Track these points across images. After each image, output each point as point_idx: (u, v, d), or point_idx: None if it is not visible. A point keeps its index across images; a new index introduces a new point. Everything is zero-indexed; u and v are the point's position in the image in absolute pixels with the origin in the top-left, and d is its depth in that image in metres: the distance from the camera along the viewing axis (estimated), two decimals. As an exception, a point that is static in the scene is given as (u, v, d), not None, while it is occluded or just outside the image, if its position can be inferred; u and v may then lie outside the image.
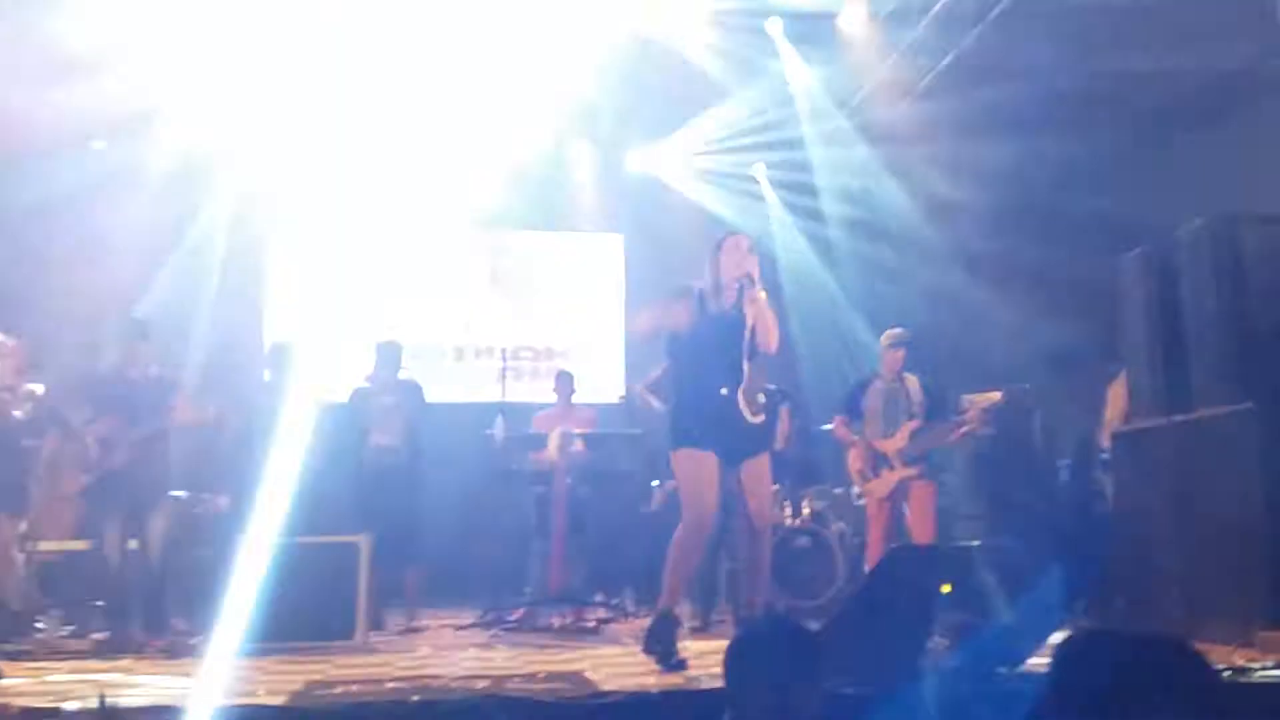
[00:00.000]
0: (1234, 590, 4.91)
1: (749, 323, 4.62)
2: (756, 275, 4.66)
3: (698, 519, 4.54)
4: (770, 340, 4.63)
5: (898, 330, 6.89)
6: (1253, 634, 4.50)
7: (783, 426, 6.83)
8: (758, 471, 4.67)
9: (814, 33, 9.48)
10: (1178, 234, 5.60)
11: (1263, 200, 5.50)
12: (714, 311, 4.68)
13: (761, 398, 4.72)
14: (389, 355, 7.19)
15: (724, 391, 4.60)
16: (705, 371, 4.64)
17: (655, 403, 6.63)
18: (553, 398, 7.97)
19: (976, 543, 6.65)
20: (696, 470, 4.57)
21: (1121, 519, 6.04)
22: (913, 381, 6.74)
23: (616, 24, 9.17)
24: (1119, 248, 6.30)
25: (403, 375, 7.38)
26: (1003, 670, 4.03)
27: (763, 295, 4.63)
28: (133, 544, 6.16)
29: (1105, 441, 6.46)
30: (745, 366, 4.63)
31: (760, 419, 4.69)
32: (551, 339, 11.57)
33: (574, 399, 7.86)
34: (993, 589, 4.11)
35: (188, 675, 4.72)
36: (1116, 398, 6.54)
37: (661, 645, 4.49)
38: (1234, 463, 5.03)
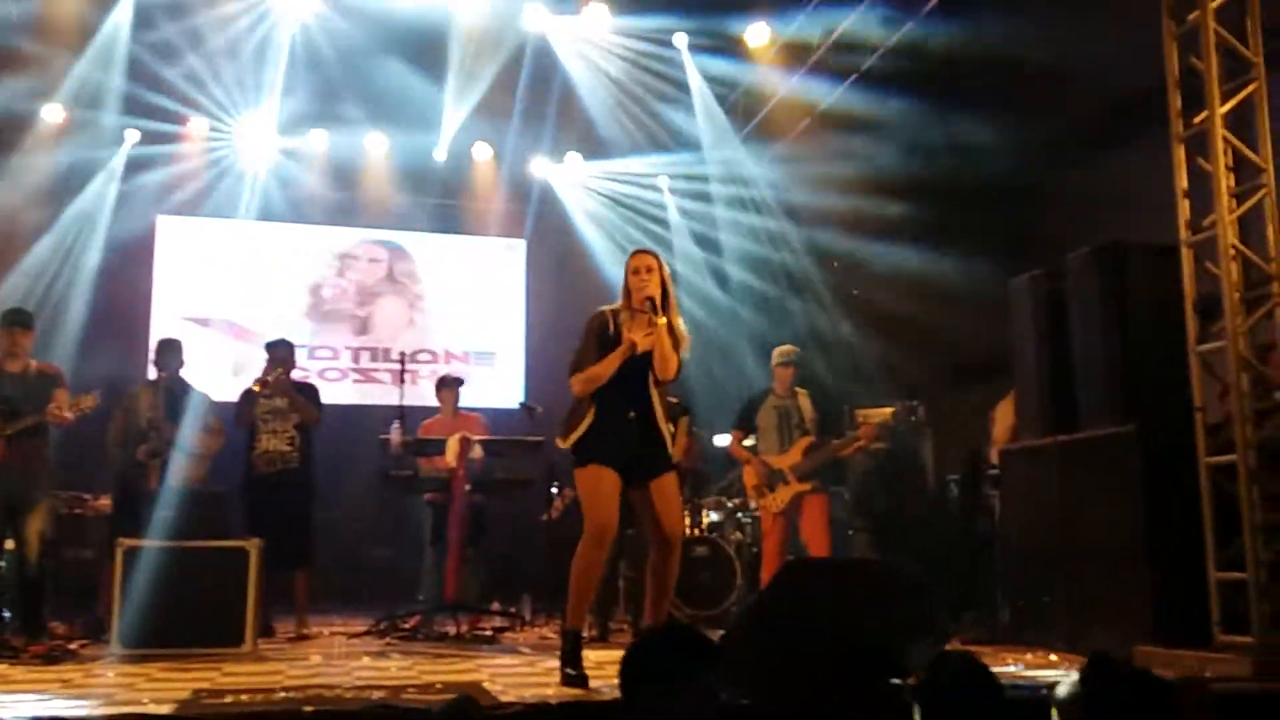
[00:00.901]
0: (1116, 606, 5.10)
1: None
2: (658, 297, 4.60)
3: (598, 532, 4.52)
4: (667, 369, 4.59)
5: (788, 348, 7.02)
6: (1132, 649, 4.67)
7: (681, 440, 6.86)
8: (668, 489, 4.66)
9: (720, 49, 9.61)
10: (1067, 259, 5.80)
11: (1147, 230, 5.72)
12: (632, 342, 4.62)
13: (670, 427, 4.73)
14: (281, 355, 7.01)
15: (632, 415, 4.60)
16: (607, 395, 4.60)
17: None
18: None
19: (869, 557, 6.83)
20: (597, 484, 4.55)
21: (1008, 535, 6.23)
22: (804, 398, 6.87)
23: (524, 32, 9.22)
24: (1011, 268, 6.51)
25: (296, 376, 7.22)
26: (894, 683, 4.10)
27: (661, 321, 4.56)
28: (9, 544, 5.91)
29: (994, 459, 6.65)
30: (652, 392, 4.64)
31: (667, 441, 4.69)
32: (451, 343, 11.49)
33: (466, 405, 7.75)
34: (884, 602, 4.20)
35: (67, 682, 4.55)
36: (1005, 416, 6.73)
37: (570, 664, 4.45)
38: (1117, 482, 5.23)
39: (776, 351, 6.99)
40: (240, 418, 6.89)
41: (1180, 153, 5.18)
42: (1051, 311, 5.92)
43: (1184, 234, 5.11)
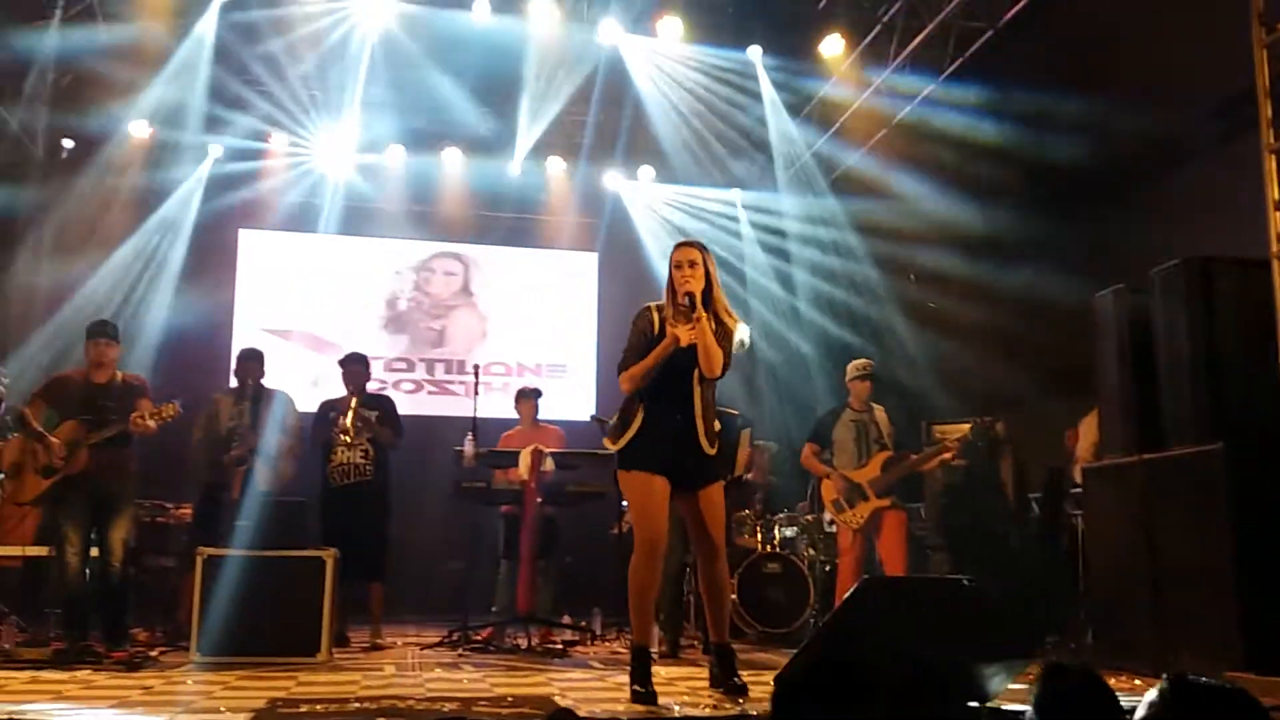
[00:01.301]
0: (1203, 629, 4.94)
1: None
2: (699, 292, 4.46)
3: (648, 541, 4.44)
4: (712, 366, 4.46)
5: (864, 361, 6.91)
6: (1222, 674, 4.51)
7: (744, 452, 6.80)
8: (713, 498, 4.58)
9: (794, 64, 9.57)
10: (1152, 274, 5.65)
11: (1236, 242, 5.55)
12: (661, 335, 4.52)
13: (716, 426, 4.63)
14: (358, 368, 7.11)
15: (678, 418, 4.52)
16: (656, 396, 4.52)
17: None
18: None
19: (949, 576, 6.69)
20: (646, 492, 4.47)
21: (1092, 554, 6.07)
22: (880, 413, 6.76)
23: (600, 49, 9.25)
24: (1094, 280, 6.36)
25: (373, 388, 7.32)
26: (974, 706, 4.01)
27: (703, 317, 4.43)
28: (94, 552, 6.05)
29: (1076, 476, 6.49)
30: (696, 391, 4.54)
31: (714, 448, 4.59)
32: (524, 355, 11.55)
33: (540, 417, 7.78)
34: (964, 623, 4.11)
35: (147, 689, 4.63)
36: (1088, 433, 6.58)
37: (639, 682, 4.40)
38: (1204, 502, 5.06)
39: (852, 365, 6.89)
40: (317, 431, 7.00)
41: (1271, 163, 5.04)
42: (1136, 326, 5.76)
43: (1275, 246, 4.96)
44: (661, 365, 4.48)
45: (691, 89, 9.69)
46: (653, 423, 4.52)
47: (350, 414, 6.89)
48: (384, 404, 7.19)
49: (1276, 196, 5.00)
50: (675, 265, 4.58)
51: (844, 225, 10.55)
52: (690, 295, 4.46)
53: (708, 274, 4.55)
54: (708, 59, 9.50)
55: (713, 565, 4.59)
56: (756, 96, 9.95)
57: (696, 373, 4.51)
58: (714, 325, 4.51)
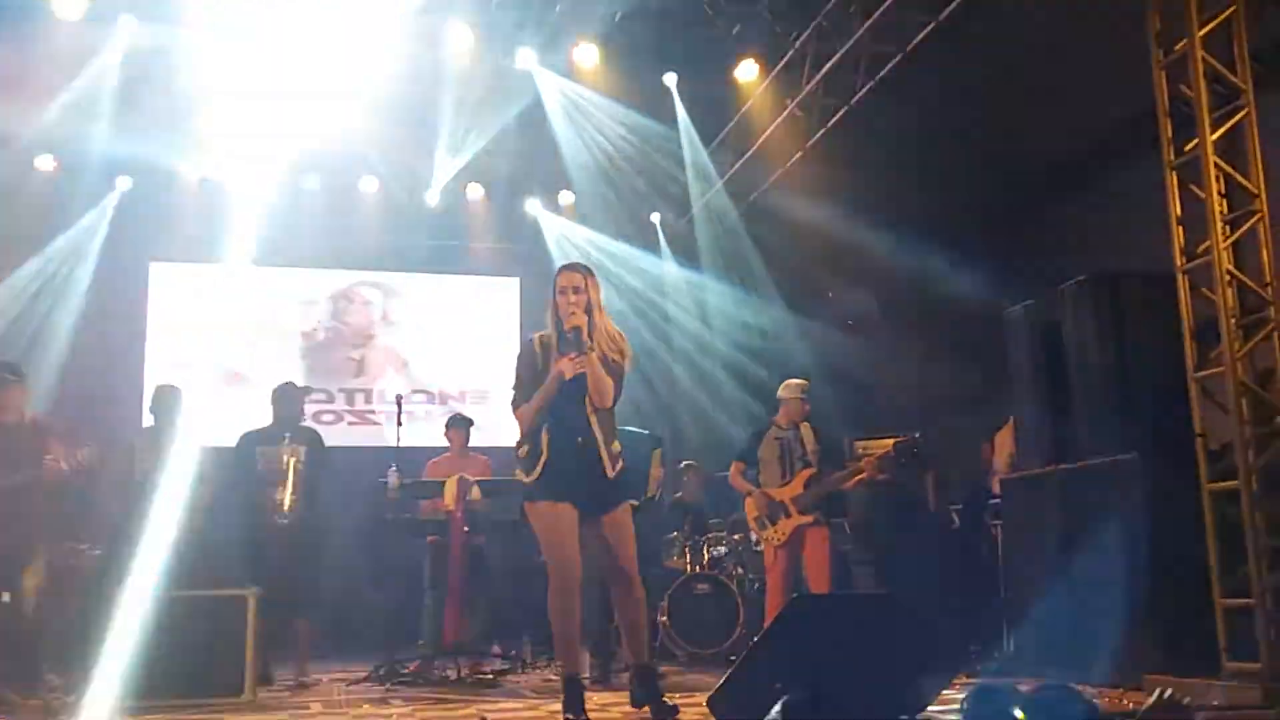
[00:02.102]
0: (1122, 634, 5.06)
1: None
2: (584, 325, 4.46)
3: (561, 570, 4.42)
4: (603, 397, 4.48)
5: (799, 381, 6.97)
6: (1141, 677, 4.64)
7: (655, 472, 6.81)
8: (619, 521, 4.57)
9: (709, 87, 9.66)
10: (1061, 289, 5.81)
11: (1141, 257, 5.74)
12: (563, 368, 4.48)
13: (616, 447, 4.62)
14: (289, 400, 6.96)
15: (578, 442, 4.50)
16: (555, 425, 4.50)
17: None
18: (446, 443, 7.81)
19: (874, 591, 6.78)
20: (554, 522, 4.45)
21: (1012, 563, 6.20)
22: (807, 430, 6.82)
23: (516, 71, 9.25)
24: (1004, 296, 6.53)
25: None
26: (904, 718, 4.06)
27: (590, 350, 4.44)
28: (4, 596, 5.85)
29: (995, 488, 6.63)
30: (591, 418, 4.53)
31: (617, 469, 4.58)
32: (446, 383, 11.46)
33: (468, 444, 7.71)
34: (892, 636, 4.16)
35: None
36: (1004, 444, 6.73)
37: (572, 710, 4.38)
38: (1119, 510, 5.21)
39: (786, 384, 6.93)
40: (241, 464, 6.82)
41: (1173, 180, 5.22)
42: (1048, 340, 5.93)
43: (1179, 261, 5.13)
44: (553, 397, 4.47)
45: (605, 129, 9.75)
46: (556, 452, 4.49)
47: (287, 451, 6.73)
48: (314, 437, 7.03)
49: (1178, 212, 5.18)
50: (559, 291, 4.56)
51: (751, 252, 10.72)
52: (576, 329, 4.45)
53: (589, 301, 4.53)
54: (621, 96, 9.55)
55: (628, 592, 4.57)
56: (672, 129, 10.03)
57: (589, 402, 4.50)
58: (600, 355, 4.51)
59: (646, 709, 4.49)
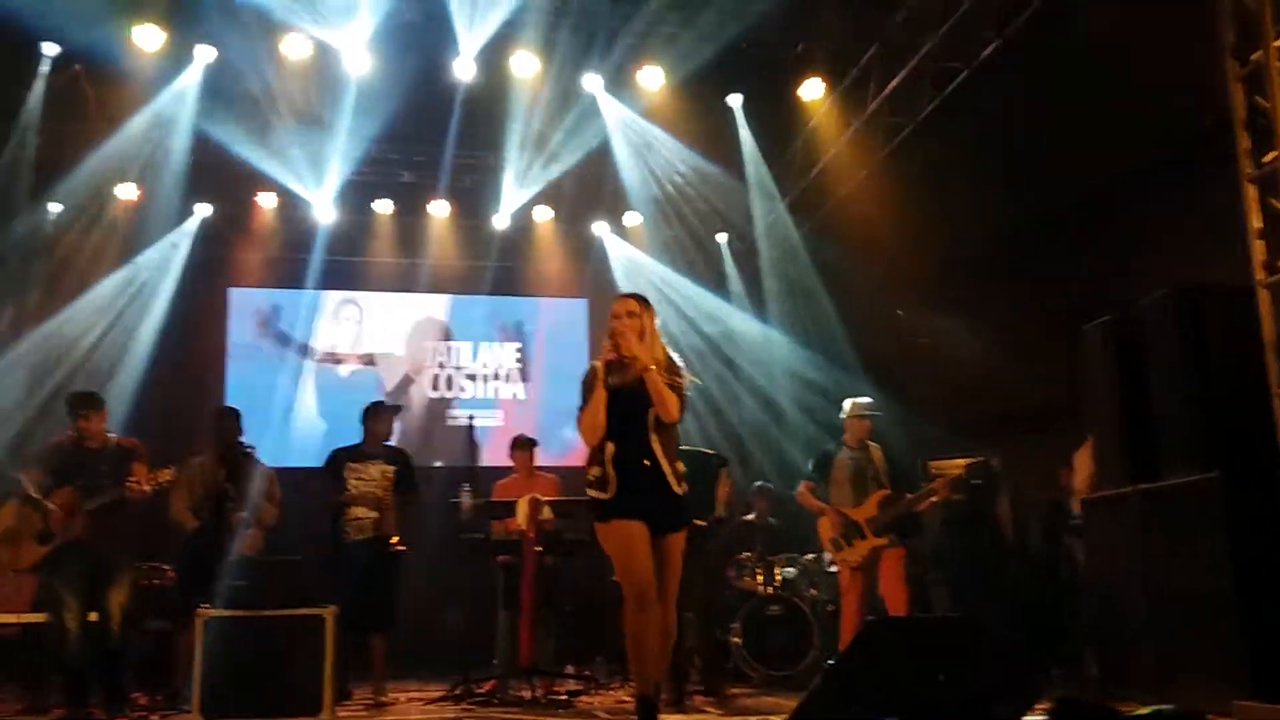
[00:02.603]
0: (1208, 658, 4.94)
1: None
2: (632, 343, 4.51)
3: (637, 593, 4.42)
4: (667, 410, 4.51)
5: (863, 400, 6.93)
6: (1230, 703, 4.52)
7: (721, 491, 6.79)
8: (676, 545, 4.59)
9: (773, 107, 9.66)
10: (1141, 304, 5.70)
11: (1223, 271, 5.62)
12: (614, 384, 4.54)
13: (680, 467, 4.64)
14: (380, 418, 7.07)
15: (645, 463, 4.53)
16: (620, 445, 4.53)
17: None
18: (510, 464, 7.86)
19: (950, 613, 6.69)
20: (627, 541, 4.45)
21: (1093, 585, 6.08)
22: (876, 450, 6.78)
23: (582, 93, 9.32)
24: (1082, 311, 6.42)
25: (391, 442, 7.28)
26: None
27: (651, 369, 4.49)
28: (91, 616, 6.01)
29: (1075, 507, 6.51)
30: (653, 437, 4.55)
31: (682, 489, 4.61)
32: (515, 404, 11.56)
33: (534, 464, 7.77)
34: (970, 661, 4.11)
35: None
36: (1083, 464, 6.61)
37: None
38: (1202, 530, 5.08)
39: (850, 403, 6.90)
40: (330, 481, 6.93)
41: (1251, 192, 5.10)
42: (1127, 358, 5.81)
43: (1259, 275, 5.02)
44: (619, 414, 4.51)
45: (669, 151, 9.81)
46: (624, 471, 4.52)
47: (377, 470, 6.85)
48: (402, 458, 7.13)
49: (1257, 225, 5.07)
50: (614, 316, 4.64)
51: (814, 270, 10.70)
52: (634, 356, 4.50)
53: (643, 326, 4.60)
54: (685, 118, 9.58)
55: (660, 616, 4.54)
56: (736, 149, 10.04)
57: (652, 418, 4.54)
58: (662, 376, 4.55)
59: None
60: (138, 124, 8.95)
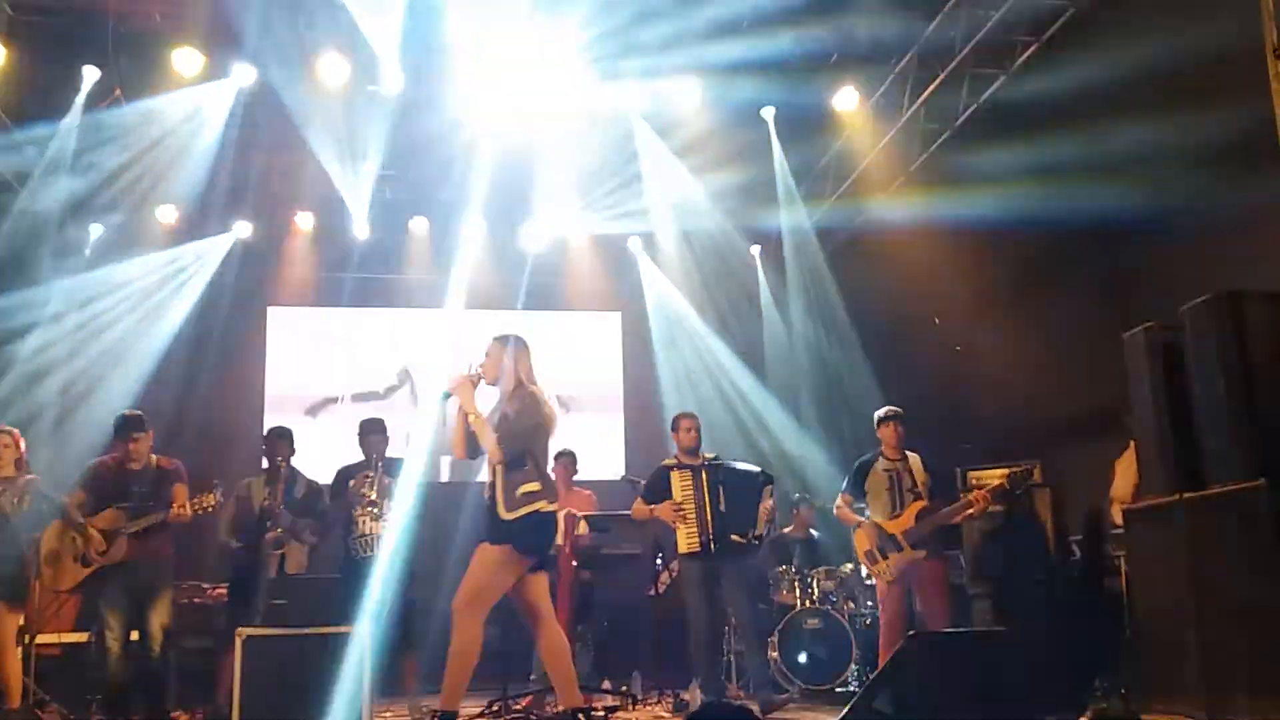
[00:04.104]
0: (1258, 671, 4.83)
1: None
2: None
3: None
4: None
5: (888, 407, 6.85)
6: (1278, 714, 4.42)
7: (763, 507, 6.73)
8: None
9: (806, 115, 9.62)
10: (1182, 311, 5.60)
11: (1262, 277, 5.52)
12: None
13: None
14: (375, 434, 7.07)
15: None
16: None
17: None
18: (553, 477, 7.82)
19: (993, 629, 6.59)
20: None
21: (1138, 596, 5.97)
22: (915, 461, 6.69)
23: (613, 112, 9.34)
24: (1122, 317, 6.32)
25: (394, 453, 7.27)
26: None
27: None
28: (133, 636, 6.06)
29: (1116, 517, 6.40)
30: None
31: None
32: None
33: (574, 478, 7.74)
34: (1012, 675, 4.05)
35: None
36: (1125, 472, 6.50)
37: None
38: (1250, 539, 4.97)
39: (880, 412, 6.84)
40: (336, 500, 6.94)
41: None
42: (1170, 364, 5.70)
43: (1304, 279, 4.92)
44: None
45: (703, 158, 9.80)
46: None
47: (374, 484, 6.83)
48: (400, 468, 7.11)
49: (1302, 228, 4.98)
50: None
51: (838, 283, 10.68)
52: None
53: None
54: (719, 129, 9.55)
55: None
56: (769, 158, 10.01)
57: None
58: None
59: None
60: (176, 145, 9.06)
